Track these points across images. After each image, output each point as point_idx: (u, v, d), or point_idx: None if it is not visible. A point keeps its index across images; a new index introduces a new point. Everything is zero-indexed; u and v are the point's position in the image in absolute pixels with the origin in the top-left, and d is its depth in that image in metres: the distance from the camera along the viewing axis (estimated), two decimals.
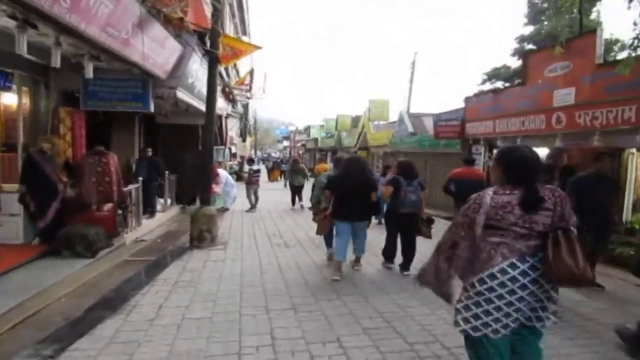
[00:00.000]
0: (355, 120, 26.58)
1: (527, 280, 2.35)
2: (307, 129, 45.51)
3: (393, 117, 19.80)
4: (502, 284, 2.35)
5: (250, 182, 13.51)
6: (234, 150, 31.54)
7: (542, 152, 9.18)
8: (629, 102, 6.39)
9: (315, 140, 38.40)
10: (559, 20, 33.33)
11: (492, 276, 2.36)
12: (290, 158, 42.62)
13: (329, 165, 15.04)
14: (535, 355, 2.53)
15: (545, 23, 34.90)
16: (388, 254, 6.25)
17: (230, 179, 13.25)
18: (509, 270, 2.35)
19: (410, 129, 15.68)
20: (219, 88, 11.87)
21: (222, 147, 14.50)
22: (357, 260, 6.19)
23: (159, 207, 10.66)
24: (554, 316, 2.43)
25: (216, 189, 12.82)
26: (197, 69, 8.45)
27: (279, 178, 28.26)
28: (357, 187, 5.71)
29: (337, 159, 7.03)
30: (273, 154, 72.40)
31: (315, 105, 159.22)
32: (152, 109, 7.96)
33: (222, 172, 13.13)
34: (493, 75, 36.78)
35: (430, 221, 6.15)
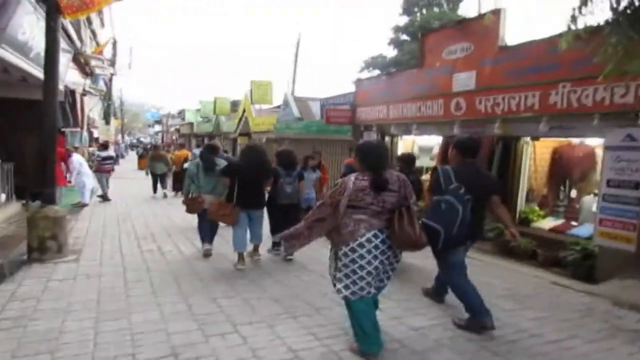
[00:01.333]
0: (235, 105, 25.05)
1: (385, 247, 3.11)
2: (182, 113, 42.30)
3: (277, 101, 18.75)
4: (369, 251, 3.06)
5: (100, 170, 11.58)
6: (95, 134, 27.84)
7: (439, 140, 9.09)
8: (532, 87, 6.20)
9: (191, 124, 35.67)
10: (430, 12, 35.57)
11: (361, 245, 3.07)
12: (163, 144, 39.42)
13: (189, 153, 14.50)
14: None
15: (418, 15, 37.03)
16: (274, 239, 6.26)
17: (86, 167, 11.03)
18: (373, 239, 3.08)
19: (297, 113, 14.79)
20: (69, 56, 9.61)
21: (78, 129, 12.05)
22: (256, 249, 6.04)
23: None
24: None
25: (69, 179, 10.57)
26: (32, 23, 6.40)
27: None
28: (257, 175, 5.75)
29: (208, 146, 6.76)
30: (143, 139, 66.86)
31: (191, 88, 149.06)
32: None
33: (77, 158, 10.86)
34: (371, 63, 37.94)
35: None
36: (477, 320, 3.72)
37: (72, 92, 10.64)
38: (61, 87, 9.27)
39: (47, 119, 5.92)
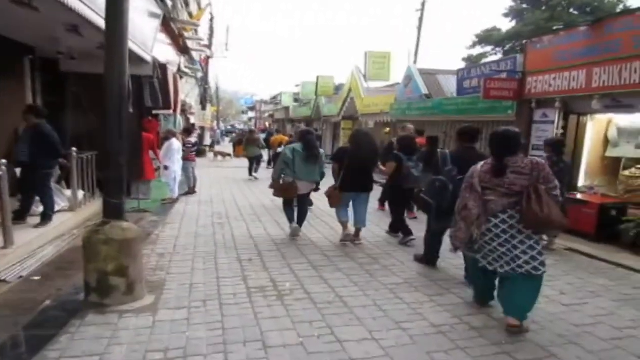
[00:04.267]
0: (337, 90, 22.81)
1: (506, 227, 3.38)
2: (276, 98, 41.07)
3: (395, 78, 15.90)
4: (496, 226, 3.41)
5: (186, 159, 9.81)
6: (192, 120, 27.20)
7: None
8: None
9: (287, 109, 34.09)
10: None
11: (489, 221, 3.44)
12: (257, 129, 38.49)
13: (285, 137, 14.23)
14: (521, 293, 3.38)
15: None
16: (396, 227, 6.37)
17: (180, 156, 9.30)
18: (493, 219, 3.42)
19: (424, 89, 11.93)
20: (157, 21, 7.71)
21: (171, 112, 10.38)
22: (357, 234, 6.01)
23: (63, 203, 6.64)
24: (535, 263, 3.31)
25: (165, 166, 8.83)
26: None
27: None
28: (367, 159, 5.84)
29: (298, 132, 6.94)
30: (237, 126, 67.74)
31: (286, 73, 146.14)
32: None
33: (177, 145, 9.17)
34: (484, 38, 33.36)
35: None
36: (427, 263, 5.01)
37: (163, 68, 8.84)
38: (148, 57, 7.41)
39: (111, 93, 3.82)
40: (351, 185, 5.78)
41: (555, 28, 30.64)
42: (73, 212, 6.69)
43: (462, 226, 3.56)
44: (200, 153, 24.48)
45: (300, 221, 6.18)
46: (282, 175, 6.09)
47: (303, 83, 27.14)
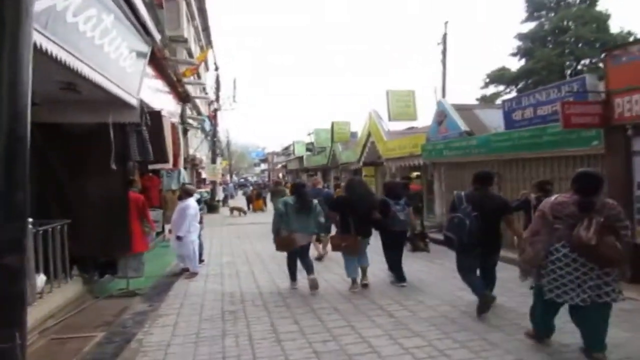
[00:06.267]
0: (353, 136, 21.48)
1: (570, 259, 3.48)
2: (290, 147, 39.91)
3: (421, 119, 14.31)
4: (559, 260, 3.52)
5: None
6: (203, 175, 25.86)
7: None
8: None
9: (300, 159, 32.73)
10: (565, 12, 29.21)
11: (556, 251, 3.54)
12: (269, 181, 37.06)
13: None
14: (594, 325, 3.48)
15: (544, 18, 30.66)
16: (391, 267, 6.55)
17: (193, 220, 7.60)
18: (561, 249, 3.52)
19: (463, 126, 10.23)
20: (143, 59, 6.24)
21: (168, 166, 8.76)
22: (364, 273, 6.24)
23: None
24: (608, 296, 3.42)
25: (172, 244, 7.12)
26: None
27: (263, 207, 22.52)
28: (366, 206, 6.10)
29: (294, 185, 7.08)
30: (250, 179, 66.87)
31: (297, 123, 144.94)
32: None
33: (193, 207, 7.56)
34: (495, 78, 32.22)
35: (423, 235, 8.89)
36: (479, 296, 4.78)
37: (156, 115, 7.30)
38: (133, 101, 5.88)
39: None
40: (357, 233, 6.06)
41: (568, 63, 30.06)
42: (33, 304, 4.91)
43: (529, 251, 3.72)
44: (213, 209, 22.88)
45: (309, 271, 6.16)
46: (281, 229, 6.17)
47: (316, 130, 25.80)
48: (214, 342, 4.23)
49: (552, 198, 3.73)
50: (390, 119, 14.13)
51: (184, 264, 7.55)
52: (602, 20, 26.82)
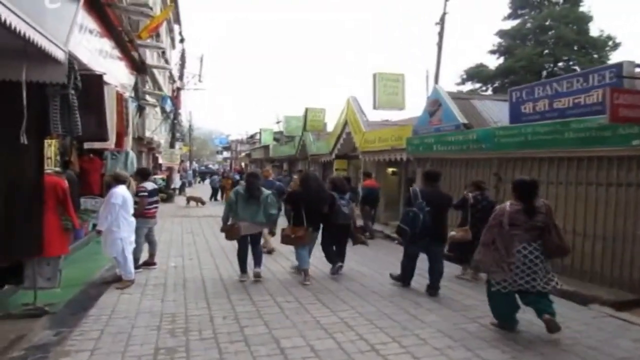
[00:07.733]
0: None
1: (533, 257, 4.11)
2: (256, 136, 38.04)
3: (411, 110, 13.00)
4: (525, 257, 4.11)
5: (144, 215, 6.52)
6: (160, 160, 23.81)
7: None
8: None
9: (266, 148, 30.99)
10: (548, 11, 28.89)
11: (518, 252, 4.11)
12: (231, 171, 34.92)
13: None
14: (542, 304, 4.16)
15: (528, 16, 30.35)
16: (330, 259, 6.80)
17: (130, 212, 5.96)
18: (522, 250, 4.11)
19: (460, 117, 8.97)
20: (101, 30, 4.55)
21: (108, 145, 7.03)
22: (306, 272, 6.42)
23: None
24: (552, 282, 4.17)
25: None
26: None
27: None
28: (318, 201, 6.40)
29: (247, 174, 7.04)
30: (211, 166, 64.32)
31: (265, 110, 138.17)
32: None
33: (120, 195, 5.81)
34: (473, 74, 31.61)
35: (363, 229, 9.22)
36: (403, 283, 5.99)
37: (95, 78, 5.65)
38: (59, 53, 4.15)
39: None
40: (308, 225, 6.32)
41: (546, 65, 29.91)
42: None
43: (485, 252, 4.29)
44: (168, 198, 20.84)
45: (258, 263, 6.32)
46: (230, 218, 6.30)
47: (287, 118, 24.06)
48: None
49: (507, 207, 4.21)
50: (375, 107, 12.72)
51: (126, 274, 5.94)
52: (585, 21, 26.49)
